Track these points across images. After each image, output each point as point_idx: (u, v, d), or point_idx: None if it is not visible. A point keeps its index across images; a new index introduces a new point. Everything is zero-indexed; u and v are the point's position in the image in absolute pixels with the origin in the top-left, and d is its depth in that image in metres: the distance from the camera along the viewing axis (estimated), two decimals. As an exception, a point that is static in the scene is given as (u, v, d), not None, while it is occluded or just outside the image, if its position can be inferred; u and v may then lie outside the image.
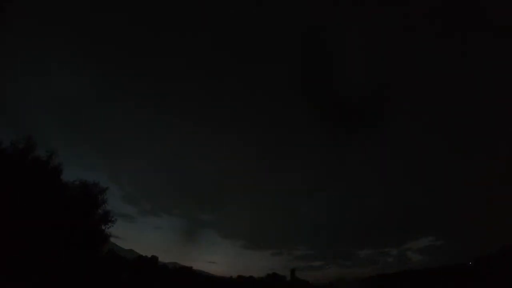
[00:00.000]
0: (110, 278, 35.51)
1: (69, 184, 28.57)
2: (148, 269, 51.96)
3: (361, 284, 61.64)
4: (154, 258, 59.34)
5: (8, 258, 22.42)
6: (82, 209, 27.57)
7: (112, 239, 36.25)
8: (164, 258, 62.16)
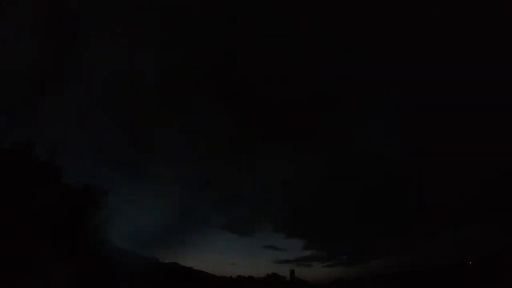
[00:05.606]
0: (110, 278, 35.52)
1: (70, 186, 28.61)
2: (148, 269, 51.91)
3: (361, 284, 61.80)
4: (154, 258, 59.35)
5: (7, 260, 22.39)
6: (83, 212, 27.63)
7: (112, 240, 36.34)
8: (164, 258, 62.02)
